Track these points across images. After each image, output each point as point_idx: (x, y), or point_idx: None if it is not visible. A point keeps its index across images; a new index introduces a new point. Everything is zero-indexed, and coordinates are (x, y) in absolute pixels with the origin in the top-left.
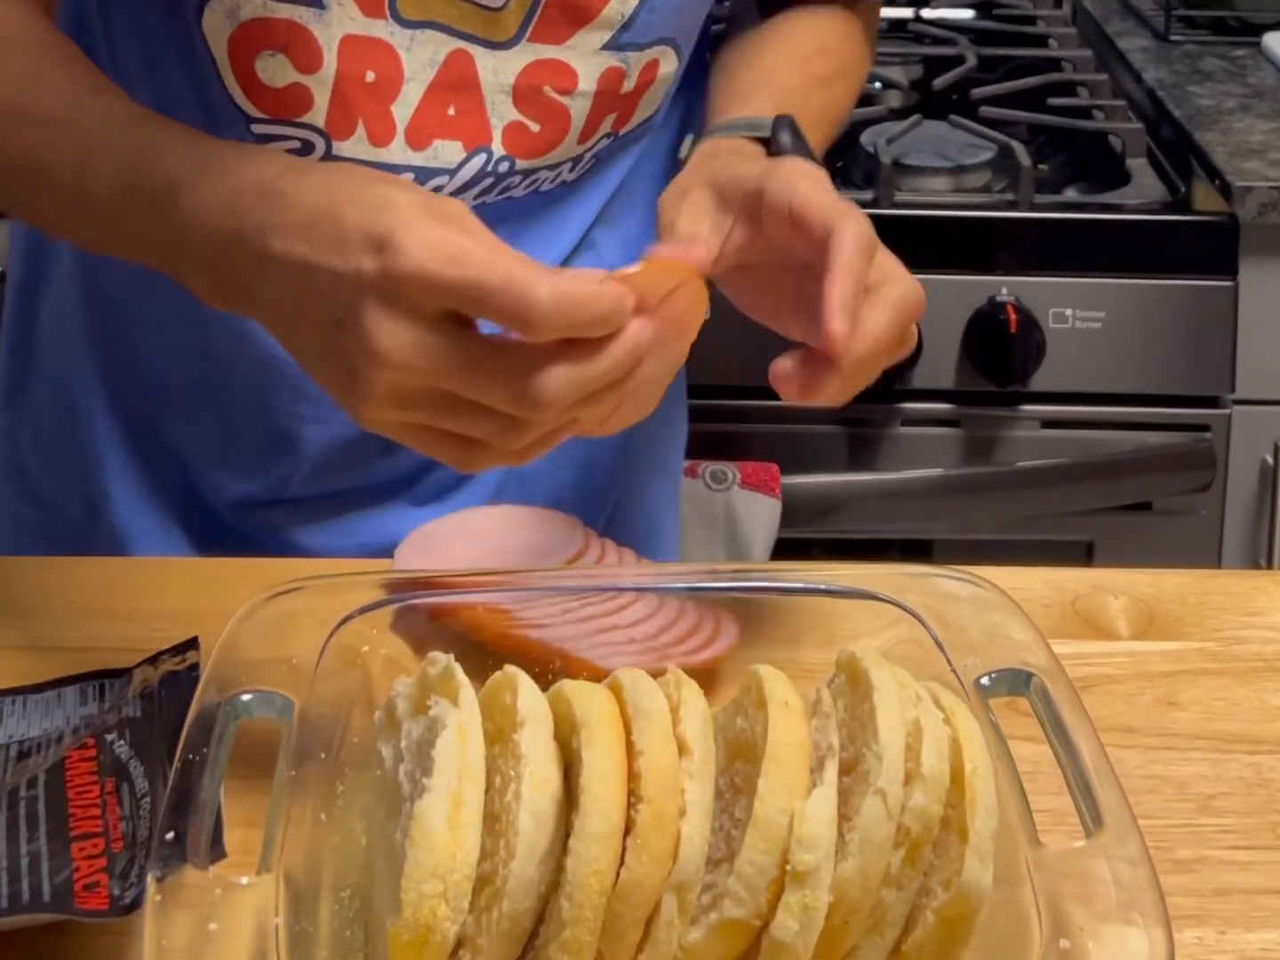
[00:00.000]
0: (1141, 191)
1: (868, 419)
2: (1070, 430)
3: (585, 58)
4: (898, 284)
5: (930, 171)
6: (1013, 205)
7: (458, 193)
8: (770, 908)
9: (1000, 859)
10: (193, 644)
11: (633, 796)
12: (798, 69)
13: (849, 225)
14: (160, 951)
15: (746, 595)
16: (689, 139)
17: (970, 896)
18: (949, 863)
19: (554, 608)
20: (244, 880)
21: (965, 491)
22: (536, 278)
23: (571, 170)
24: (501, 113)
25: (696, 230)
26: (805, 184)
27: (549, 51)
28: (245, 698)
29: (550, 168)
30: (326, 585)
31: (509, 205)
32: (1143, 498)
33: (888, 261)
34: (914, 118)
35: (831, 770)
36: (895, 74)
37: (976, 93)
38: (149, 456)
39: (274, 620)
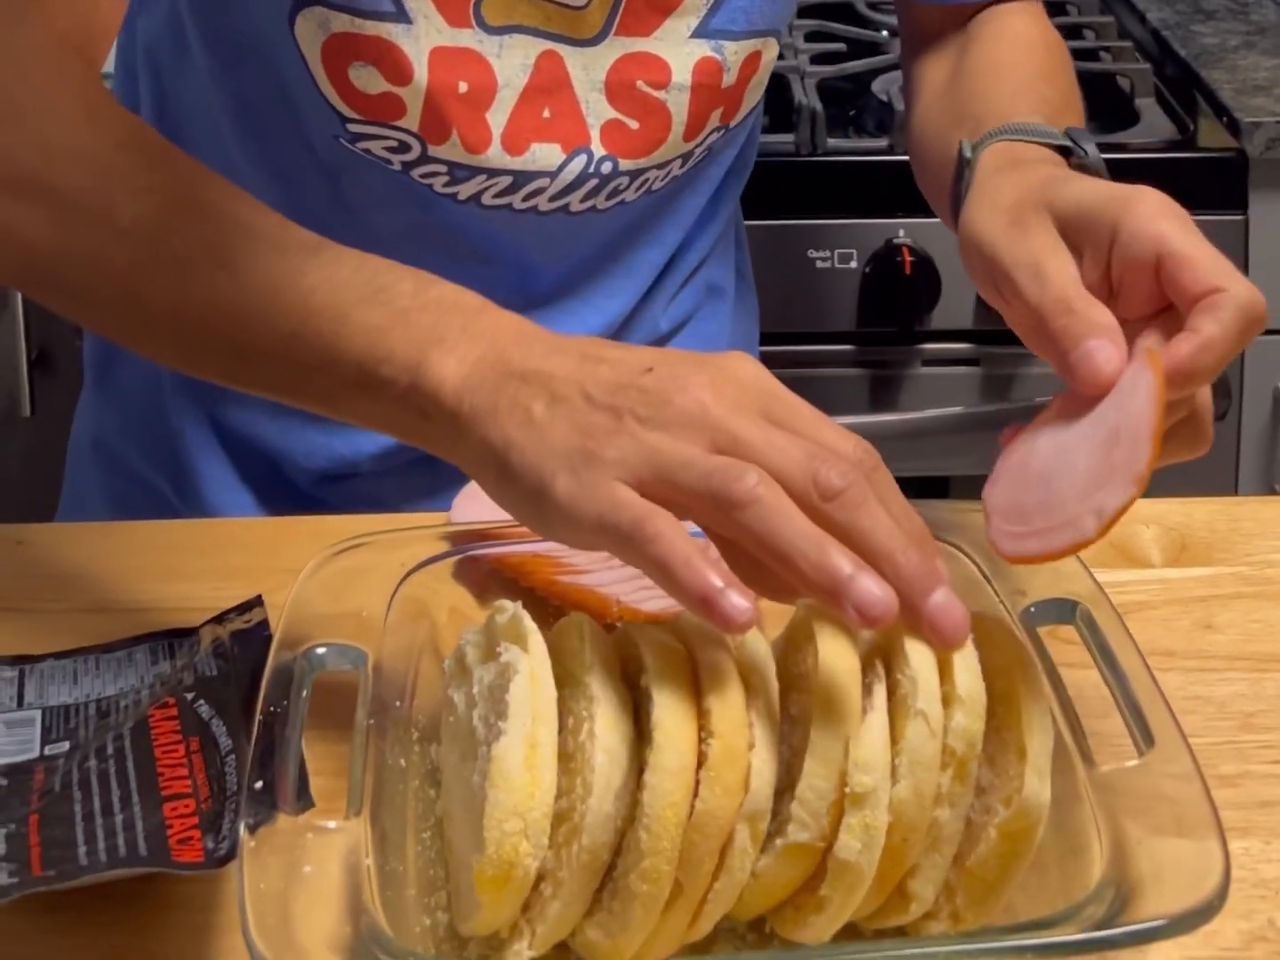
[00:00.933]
0: (1151, 130)
1: (888, 360)
2: None
3: (675, 48)
4: None
5: None
6: None
7: (561, 195)
8: (832, 830)
9: (1056, 779)
10: (257, 601)
11: (703, 732)
12: (1028, 98)
13: (1238, 293)
14: (258, 895)
15: None
16: (964, 142)
17: (1030, 811)
18: (1009, 781)
19: (598, 554)
20: (332, 825)
21: (986, 428)
22: None
23: (682, 166)
24: (598, 112)
25: (1077, 284)
26: (1171, 226)
27: (638, 44)
28: (320, 651)
29: (658, 166)
30: (388, 540)
31: (622, 210)
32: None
33: None
34: None
35: (880, 696)
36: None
37: None
38: (231, 434)
39: (340, 575)
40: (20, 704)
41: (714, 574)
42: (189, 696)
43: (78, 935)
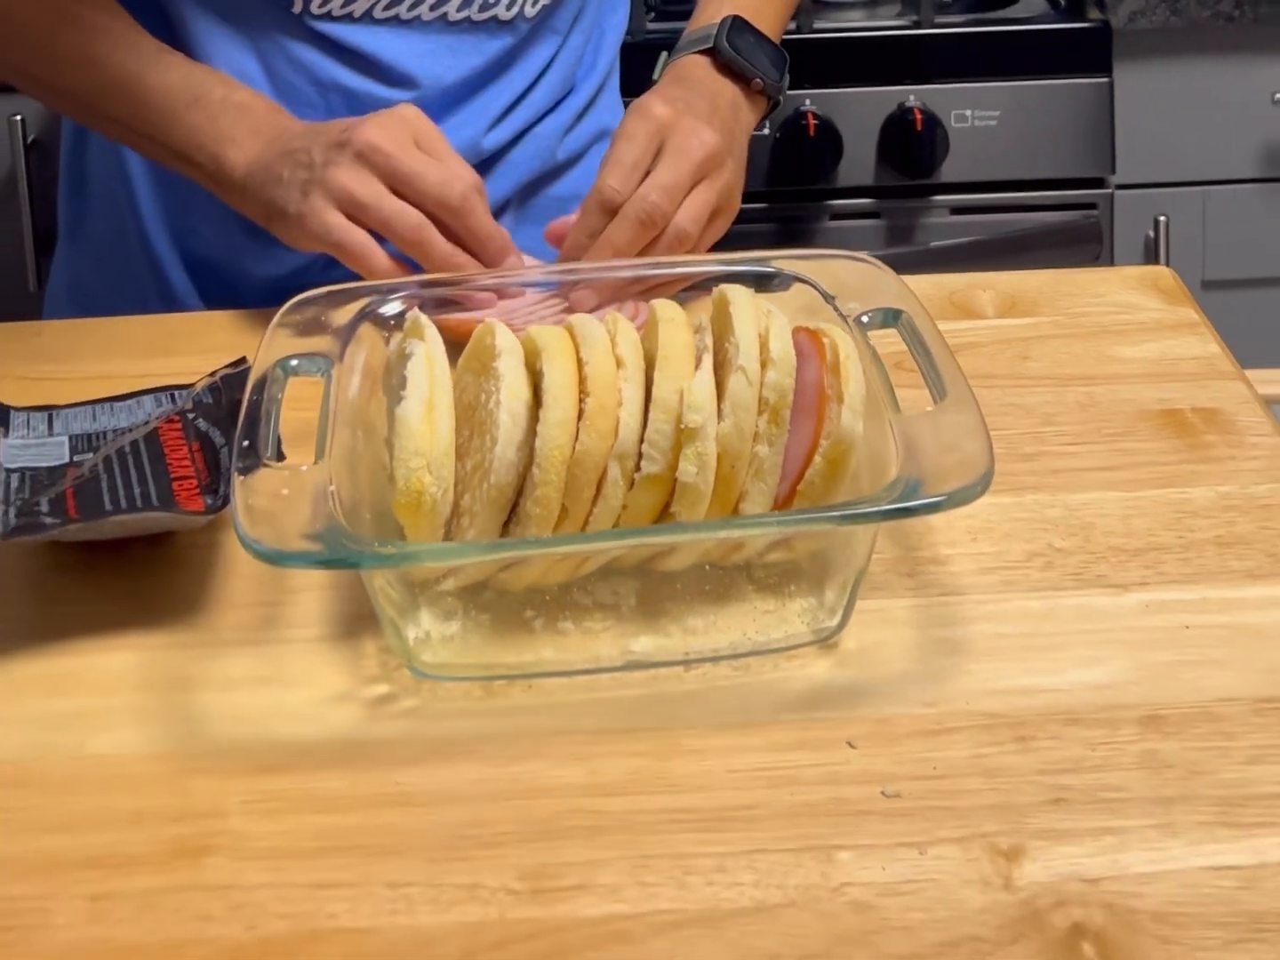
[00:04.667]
0: (1028, 8)
1: (800, 215)
2: (976, 215)
3: None
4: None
5: (847, 6)
6: (916, 25)
7: (438, 3)
8: (676, 463)
9: (869, 421)
10: (243, 360)
11: (582, 394)
12: None
13: (594, 190)
14: (248, 509)
15: (674, 275)
16: (663, 56)
17: (845, 439)
18: (831, 421)
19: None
20: (304, 467)
21: None
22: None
23: None
24: None
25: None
26: (625, 125)
27: None
28: (293, 361)
29: None
30: (345, 291)
31: (498, 27)
32: (1040, 268)
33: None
34: None
35: (707, 361)
36: None
37: None
38: (195, 263)
39: (306, 318)
40: (51, 432)
41: (388, 262)
42: (190, 415)
43: (105, 578)
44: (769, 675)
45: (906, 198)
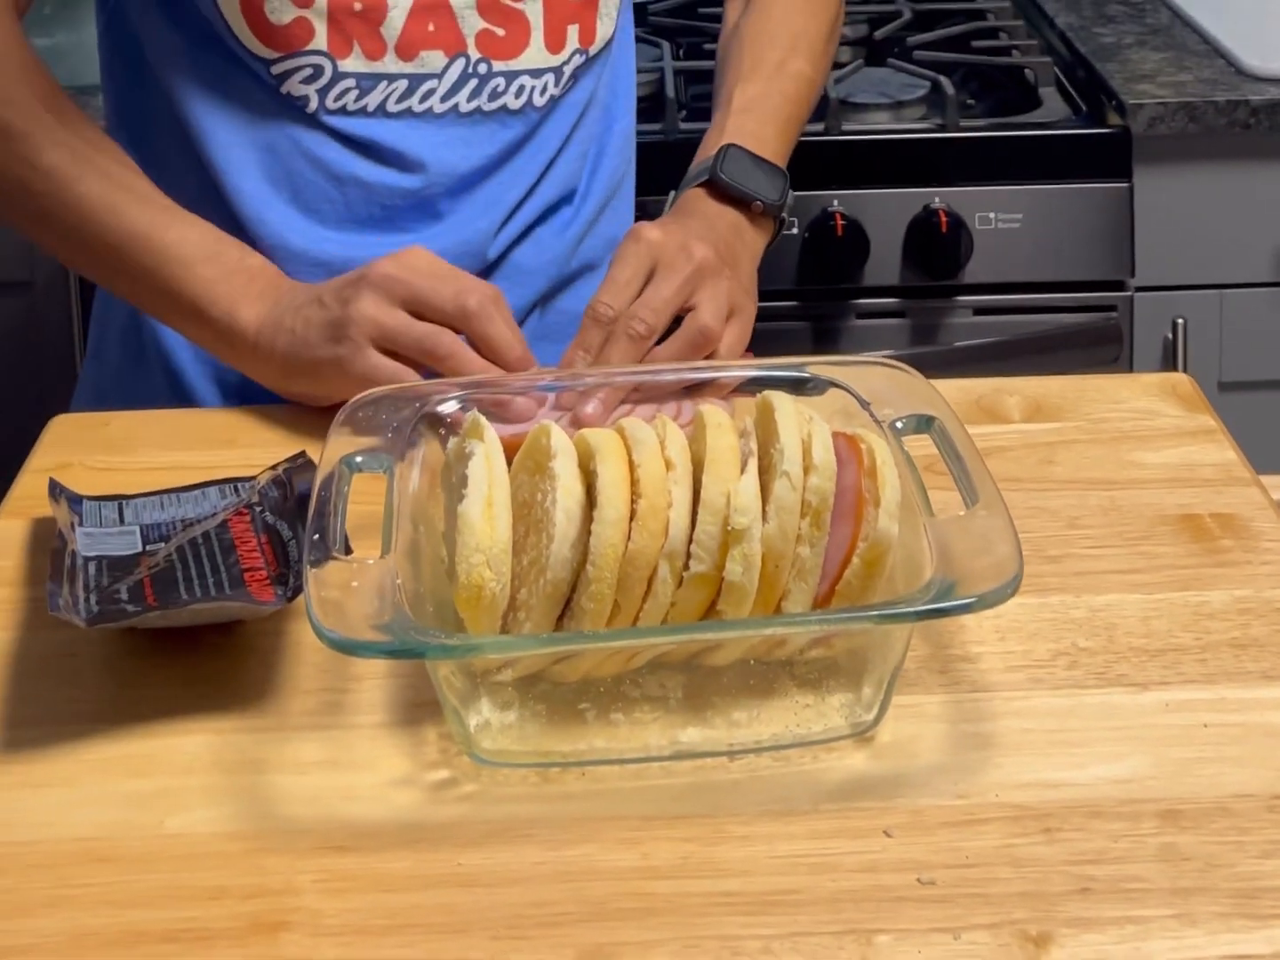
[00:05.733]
0: (1050, 113)
1: (826, 314)
2: (998, 315)
3: None
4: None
5: (874, 107)
6: (942, 128)
7: (449, 95)
8: (723, 562)
9: (905, 523)
10: (303, 454)
11: (635, 495)
12: (752, 75)
13: (589, 307)
14: (320, 600)
15: (712, 379)
16: (671, 195)
17: (882, 542)
18: (869, 524)
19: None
20: (370, 561)
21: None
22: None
23: (557, 84)
24: (471, 24)
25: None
26: (620, 250)
27: None
28: (358, 459)
29: (532, 74)
30: (399, 395)
31: (509, 118)
32: (1061, 370)
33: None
34: (856, 62)
35: (752, 465)
36: (844, 30)
37: (911, 40)
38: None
39: (366, 417)
40: (122, 522)
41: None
42: (258, 509)
43: (179, 664)
44: (809, 766)
45: (931, 298)
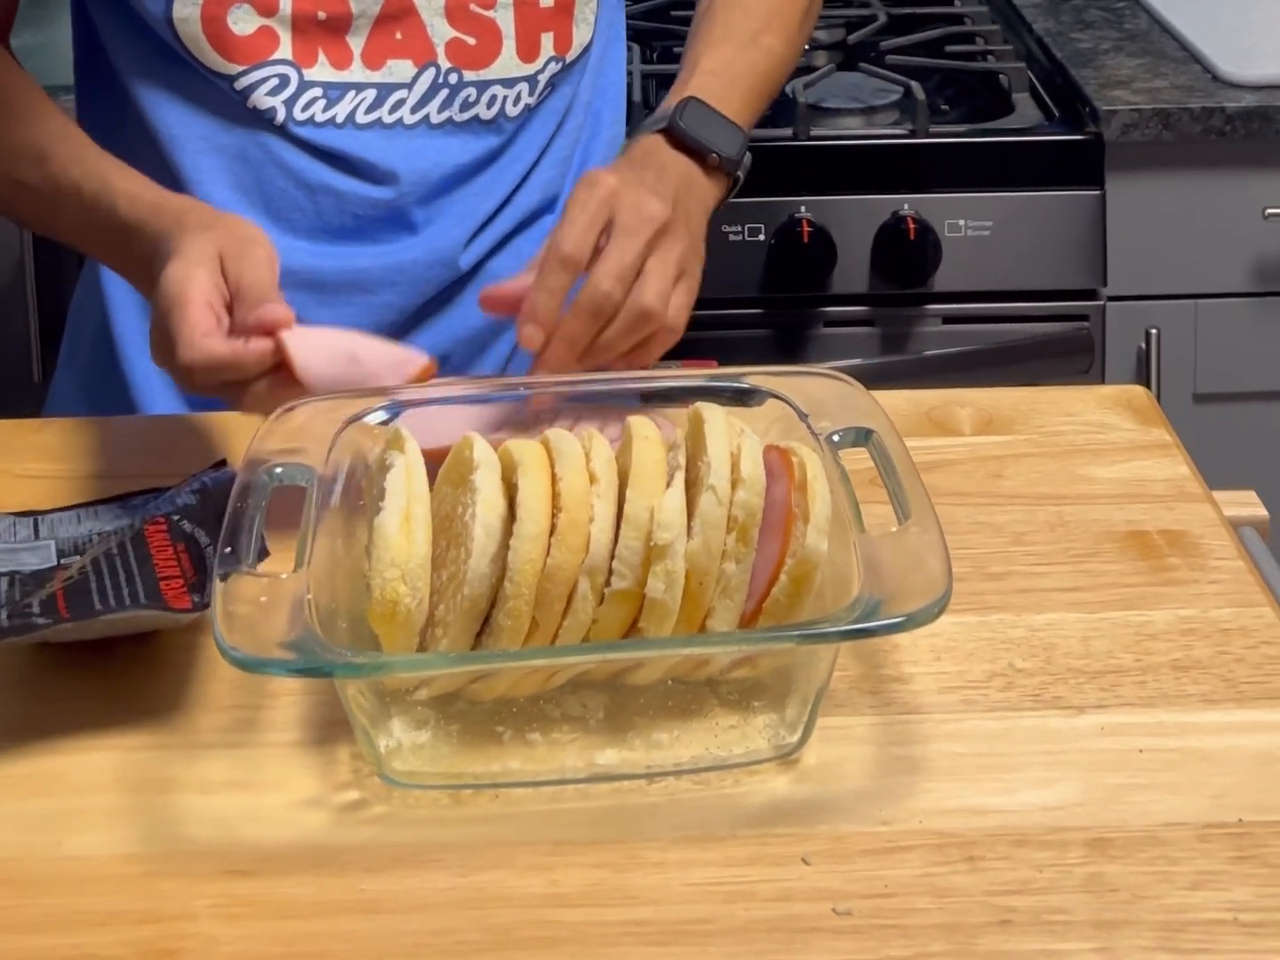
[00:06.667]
0: (1022, 119)
1: (794, 322)
2: (967, 324)
3: None
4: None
5: (845, 113)
6: (912, 134)
7: (419, 105)
8: (645, 579)
9: (834, 539)
10: (223, 462)
11: (556, 508)
12: (722, 41)
13: (549, 248)
14: (226, 615)
15: (654, 389)
16: (625, 141)
17: (810, 558)
18: (797, 540)
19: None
20: (284, 575)
21: (880, 379)
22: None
23: (531, 94)
24: (440, 32)
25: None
26: (575, 195)
27: None
28: (278, 469)
29: (504, 84)
30: (329, 404)
31: (481, 128)
32: (1031, 380)
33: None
34: (827, 67)
35: (678, 479)
36: (820, 35)
37: (885, 44)
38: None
39: (291, 425)
40: (37, 537)
41: None
42: (175, 518)
43: (91, 678)
44: (729, 790)
45: (899, 306)
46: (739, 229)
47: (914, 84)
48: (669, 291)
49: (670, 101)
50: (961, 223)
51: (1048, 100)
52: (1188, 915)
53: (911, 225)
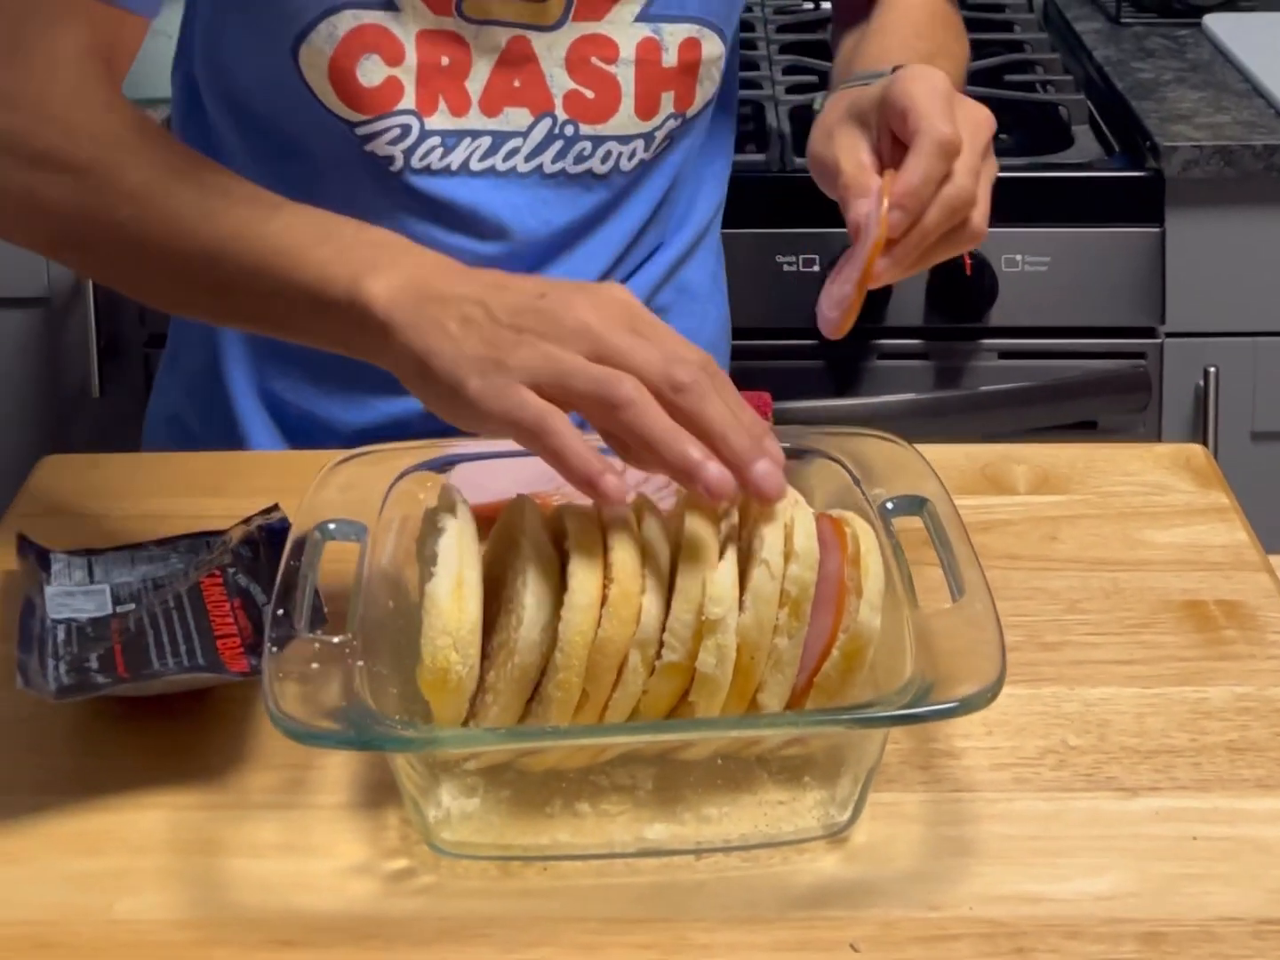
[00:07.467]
0: (1082, 153)
1: (847, 355)
2: (1024, 360)
3: (621, 29)
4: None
5: None
6: None
7: (534, 155)
8: (696, 652)
9: (887, 615)
10: (275, 507)
11: (608, 581)
12: (903, 50)
13: (929, 128)
14: (277, 682)
15: None
16: (819, 96)
17: (863, 634)
18: (850, 615)
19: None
20: (336, 640)
21: (934, 414)
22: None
23: (647, 149)
24: (559, 83)
25: (859, 165)
26: (919, 86)
27: (591, 28)
28: (331, 525)
29: (620, 140)
30: (383, 453)
31: (594, 182)
32: (1088, 417)
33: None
34: None
35: (730, 554)
36: None
37: None
38: (278, 403)
39: (346, 478)
40: (92, 580)
41: (596, 462)
42: (230, 571)
43: (143, 731)
44: (778, 868)
45: (954, 340)
46: (793, 259)
47: None
48: (989, 202)
49: (875, 63)
50: (1019, 257)
51: (1107, 132)
52: None
53: (968, 259)
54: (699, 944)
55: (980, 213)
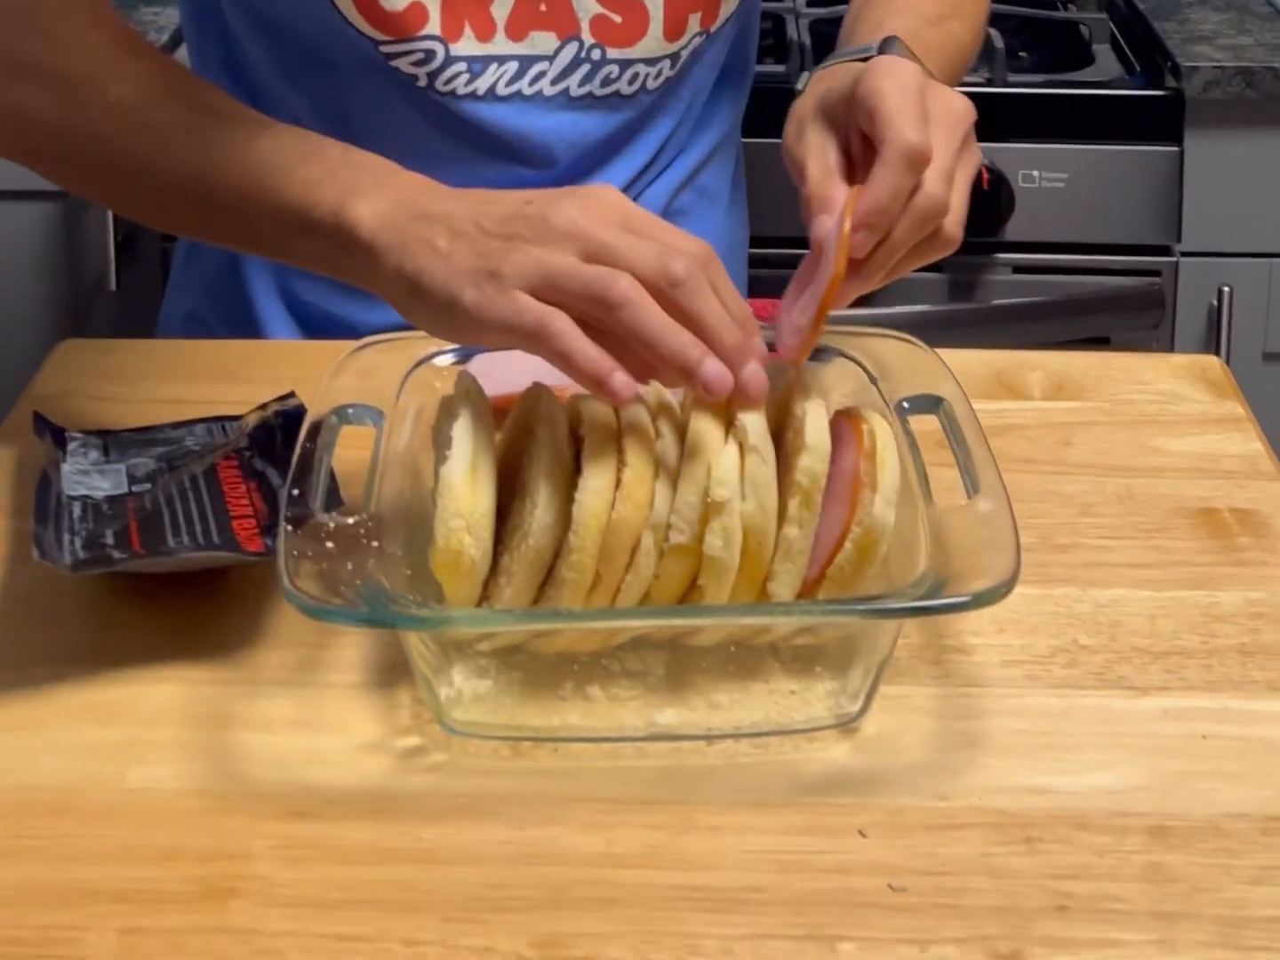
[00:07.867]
0: (1102, 71)
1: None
2: (1038, 275)
3: None
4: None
5: None
6: (989, 83)
7: (560, 78)
8: (703, 535)
9: (901, 510)
10: (291, 394)
11: (620, 463)
12: (906, 13)
13: (896, 139)
14: (294, 561)
15: None
16: (805, 75)
17: (876, 528)
18: (864, 509)
19: None
20: (350, 520)
21: (947, 326)
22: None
23: (673, 68)
24: (586, 6)
25: (826, 171)
26: (889, 84)
27: None
28: (349, 409)
29: (647, 62)
30: (401, 341)
31: (620, 102)
32: (1101, 333)
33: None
34: None
35: (733, 445)
36: None
37: None
38: (300, 304)
39: (364, 365)
40: (107, 459)
41: (604, 360)
42: (246, 454)
43: (159, 608)
44: (788, 756)
45: (970, 254)
46: None
47: (993, 31)
48: (965, 203)
49: (861, 41)
50: (1036, 173)
51: (1128, 52)
52: (1248, 911)
53: (985, 174)
54: (707, 825)
55: (954, 219)
